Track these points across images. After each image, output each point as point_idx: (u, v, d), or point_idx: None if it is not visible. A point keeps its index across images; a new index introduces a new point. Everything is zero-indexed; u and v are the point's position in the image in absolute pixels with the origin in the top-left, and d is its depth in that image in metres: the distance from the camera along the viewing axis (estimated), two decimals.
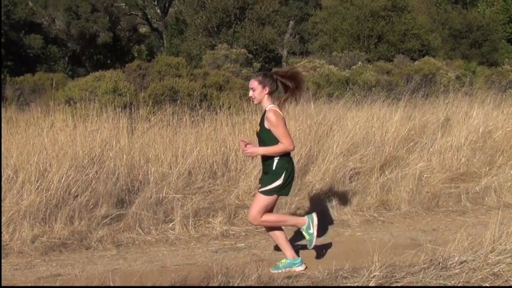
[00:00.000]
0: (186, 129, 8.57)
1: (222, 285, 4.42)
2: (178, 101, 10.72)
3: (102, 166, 7.04)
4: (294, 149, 4.77)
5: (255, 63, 23.07)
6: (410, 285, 4.27)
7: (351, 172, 7.64)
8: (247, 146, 4.79)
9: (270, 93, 4.79)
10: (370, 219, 6.70)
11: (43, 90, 20.17)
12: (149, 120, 9.07)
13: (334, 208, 6.80)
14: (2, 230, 5.69)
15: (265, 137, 4.74)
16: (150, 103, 10.25)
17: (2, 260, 5.23)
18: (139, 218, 6.17)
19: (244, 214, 6.48)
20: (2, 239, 5.62)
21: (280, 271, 4.86)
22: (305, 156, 7.80)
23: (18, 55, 30.11)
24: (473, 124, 9.49)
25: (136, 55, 40.16)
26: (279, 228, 4.97)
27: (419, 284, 4.27)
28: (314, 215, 4.96)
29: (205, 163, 7.73)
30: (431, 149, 8.56)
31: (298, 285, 4.51)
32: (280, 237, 4.96)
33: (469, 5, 35.91)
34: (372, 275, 4.34)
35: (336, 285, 4.38)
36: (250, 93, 4.82)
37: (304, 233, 4.94)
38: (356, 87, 15.84)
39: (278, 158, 4.73)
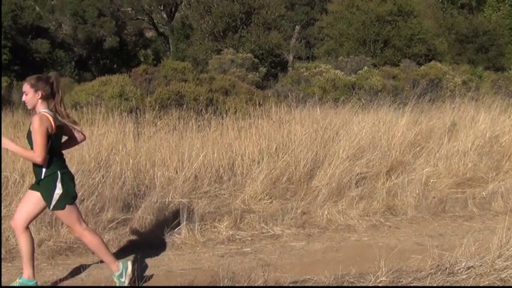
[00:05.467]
0: (192, 134, 8.59)
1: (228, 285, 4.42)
2: (185, 106, 10.74)
3: (109, 170, 7.05)
4: (41, 162, 4.29)
5: (261, 68, 23.08)
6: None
7: (357, 177, 7.62)
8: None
9: (44, 98, 4.42)
10: (376, 224, 6.68)
11: None
12: (155, 124, 9.10)
13: (340, 213, 6.78)
14: (9, 234, 5.70)
15: (31, 140, 4.38)
16: (156, 107, 10.28)
17: (9, 264, 5.24)
18: (145, 222, 6.18)
19: (250, 219, 6.48)
20: (9, 242, 5.64)
21: None
22: (311, 160, 7.79)
23: (25, 59, 30.23)
24: (480, 129, 9.47)
25: (142, 60, 40.26)
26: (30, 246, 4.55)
27: None
28: (129, 263, 4.69)
29: (211, 168, 7.74)
30: (437, 154, 8.54)
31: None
32: (29, 254, 4.55)
33: (475, 9, 35.90)
34: (378, 280, 4.33)
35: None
36: (23, 98, 4.47)
37: (115, 279, 4.66)
38: (362, 92, 15.83)
39: (46, 166, 4.38)
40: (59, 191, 4.41)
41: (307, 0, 32.03)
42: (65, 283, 4.87)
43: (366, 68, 18.71)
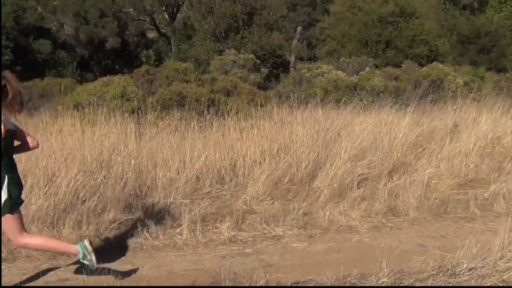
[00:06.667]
0: (194, 135, 8.58)
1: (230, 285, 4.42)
2: (186, 106, 10.73)
3: (110, 171, 7.05)
4: None
5: (263, 69, 23.09)
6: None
7: (358, 178, 7.61)
8: None
9: None
10: (378, 225, 6.67)
11: (52, 95, 20.26)
12: (157, 125, 9.09)
13: (342, 214, 6.78)
14: None
15: None
16: (158, 108, 10.28)
17: (11, 265, 5.25)
18: (146, 223, 6.18)
19: (252, 219, 6.48)
20: (11, 243, 5.62)
21: None
22: (313, 161, 7.78)
23: (27, 60, 30.28)
24: (482, 130, 9.46)
25: (144, 60, 40.32)
26: None
27: None
28: (86, 242, 4.58)
29: (213, 168, 7.73)
30: (439, 155, 8.53)
31: None
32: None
33: (477, 10, 35.86)
34: (380, 281, 4.33)
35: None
36: None
37: (82, 261, 4.59)
38: (364, 93, 15.82)
39: None
40: (4, 195, 4.30)
41: (308, 1, 32.05)
42: (67, 283, 4.87)
43: (367, 69, 18.70)
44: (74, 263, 5.28)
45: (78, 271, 4.95)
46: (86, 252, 4.54)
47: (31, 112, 13.43)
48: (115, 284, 4.69)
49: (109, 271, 4.92)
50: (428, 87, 16.19)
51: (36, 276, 5.03)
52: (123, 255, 5.60)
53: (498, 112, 10.42)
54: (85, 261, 4.57)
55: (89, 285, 4.82)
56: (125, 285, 4.67)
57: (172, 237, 6.03)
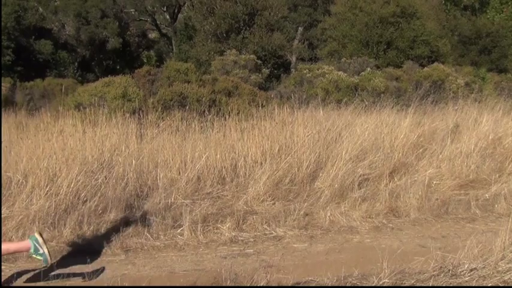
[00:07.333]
0: (195, 135, 8.58)
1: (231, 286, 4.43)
2: (187, 107, 10.73)
3: (111, 171, 7.06)
4: None
5: (264, 69, 23.07)
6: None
7: (359, 178, 7.61)
8: None
9: None
10: (379, 226, 6.67)
11: (53, 95, 20.32)
12: (158, 125, 9.09)
13: (342, 214, 6.77)
14: (12, 234, 5.70)
15: None
16: (159, 109, 10.26)
17: (12, 265, 5.25)
18: (147, 223, 6.18)
19: (253, 220, 6.48)
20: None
21: None
22: (314, 162, 7.78)
23: (28, 60, 30.30)
24: (483, 131, 9.45)
25: (145, 61, 40.37)
26: None
27: None
28: (36, 235, 4.44)
29: (214, 169, 7.73)
30: (440, 156, 8.52)
31: None
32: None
33: (478, 11, 35.83)
34: (381, 282, 4.33)
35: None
36: None
37: (34, 256, 4.41)
38: (365, 94, 15.80)
39: None
40: None
41: (310, 1, 32.02)
42: (68, 283, 4.87)
43: (368, 69, 18.68)
44: (75, 263, 5.29)
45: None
46: (37, 245, 4.38)
47: (32, 112, 13.46)
48: (116, 284, 4.69)
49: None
50: (430, 88, 16.17)
51: (37, 276, 5.04)
52: (124, 255, 5.60)
53: (499, 113, 10.42)
54: (37, 256, 4.40)
55: (89, 285, 4.83)
56: (125, 285, 4.67)
57: (173, 237, 6.03)
